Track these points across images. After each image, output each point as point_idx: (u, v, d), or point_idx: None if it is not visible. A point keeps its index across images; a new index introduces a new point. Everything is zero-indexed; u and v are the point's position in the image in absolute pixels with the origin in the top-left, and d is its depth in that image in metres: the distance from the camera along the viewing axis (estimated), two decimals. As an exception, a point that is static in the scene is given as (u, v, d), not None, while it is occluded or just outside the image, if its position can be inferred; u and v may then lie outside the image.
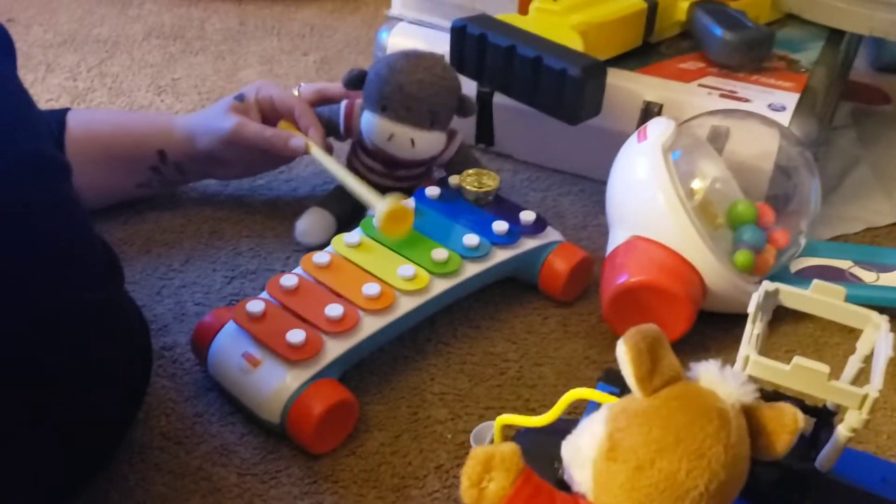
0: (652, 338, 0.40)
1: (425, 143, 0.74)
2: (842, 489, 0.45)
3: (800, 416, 0.39)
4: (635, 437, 0.38)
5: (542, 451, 0.50)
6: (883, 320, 0.42)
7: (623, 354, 0.40)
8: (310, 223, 0.77)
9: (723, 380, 0.40)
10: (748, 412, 0.40)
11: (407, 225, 0.68)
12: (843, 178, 0.91)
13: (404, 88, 0.72)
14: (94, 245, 0.53)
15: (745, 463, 0.39)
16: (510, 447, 0.40)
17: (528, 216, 0.72)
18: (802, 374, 0.39)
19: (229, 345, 0.61)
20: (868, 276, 0.74)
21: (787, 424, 0.39)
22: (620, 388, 0.50)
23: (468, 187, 0.74)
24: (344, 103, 0.79)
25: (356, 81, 0.76)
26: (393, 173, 0.76)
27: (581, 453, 0.40)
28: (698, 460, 0.37)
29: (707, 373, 0.40)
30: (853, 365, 0.44)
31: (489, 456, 0.39)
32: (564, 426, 0.51)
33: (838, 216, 0.85)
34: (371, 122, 0.74)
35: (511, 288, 0.74)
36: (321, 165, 0.75)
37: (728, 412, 0.38)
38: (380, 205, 0.67)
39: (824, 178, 0.73)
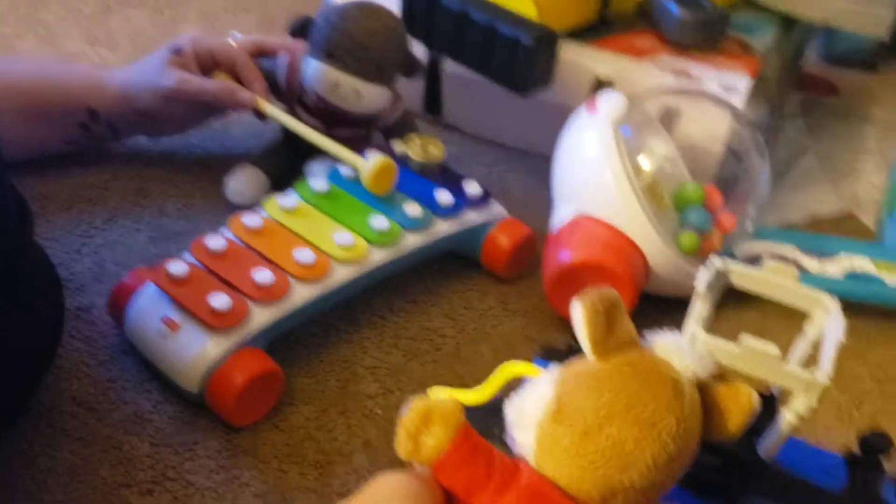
0: (610, 300, 0.37)
1: (371, 95, 0.71)
2: (783, 478, 0.44)
3: (755, 396, 0.37)
4: (584, 400, 0.36)
5: (476, 425, 0.48)
6: (834, 303, 0.40)
7: (579, 314, 0.37)
8: (241, 181, 0.73)
9: (679, 351, 0.38)
10: (702, 388, 0.38)
11: (393, 178, 0.66)
12: (790, 167, 0.90)
13: (354, 37, 0.69)
14: (4, 192, 0.49)
15: (695, 440, 0.37)
16: (451, 401, 0.37)
17: (472, 188, 0.70)
18: (752, 355, 0.37)
19: (148, 307, 0.57)
20: (812, 265, 0.73)
21: (742, 404, 0.37)
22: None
23: (413, 155, 0.71)
24: (286, 56, 0.75)
25: (302, 29, 0.72)
26: (333, 132, 0.73)
27: (525, 415, 0.37)
28: (649, 429, 0.35)
29: (664, 342, 0.38)
30: (801, 349, 0.43)
31: (429, 409, 0.37)
32: (501, 404, 0.49)
33: (784, 203, 0.84)
34: (316, 70, 0.70)
35: (450, 262, 0.71)
36: (275, 121, 0.71)
37: (683, 384, 0.36)
38: (366, 161, 0.66)
39: (772, 164, 0.71)
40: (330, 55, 0.69)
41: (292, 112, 0.74)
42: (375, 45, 0.69)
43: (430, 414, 0.36)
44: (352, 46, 0.69)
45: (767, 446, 0.40)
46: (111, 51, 0.96)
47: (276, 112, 0.72)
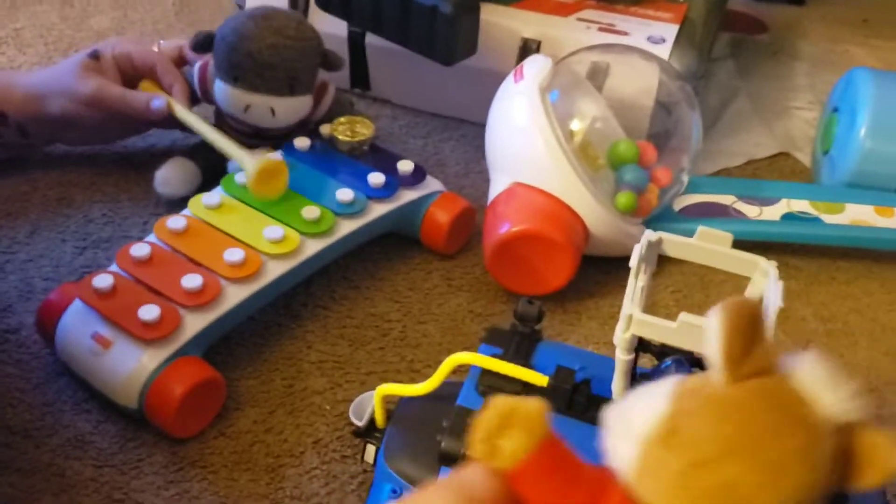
0: (753, 314, 0.32)
1: (287, 110, 0.68)
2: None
3: None
4: (703, 427, 0.31)
5: (426, 418, 0.47)
6: (771, 266, 0.40)
7: (717, 326, 0.32)
8: (171, 172, 0.70)
9: (831, 386, 0.32)
10: (850, 430, 0.32)
11: (282, 183, 0.63)
12: (722, 111, 0.90)
13: (255, 56, 0.65)
14: None
15: (819, 492, 0.32)
16: (537, 403, 0.33)
17: (405, 166, 0.68)
18: (690, 330, 0.36)
19: (77, 325, 0.55)
20: (751, 211, 0.73)
21: (884, 461, 0.31)
22: (504, 349, 0.47)
23: (341, 137, 0.69)
24: (197, 66, 0.72)
25: (203, 45, 0.68)
26: (263, 133, 0.70)
27: (631, 427, 0.32)
28: (772, 476, 0.30)
29: (811, 372, 0.32)
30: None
31: (511, 409, 0.32)
32: (448, 390, 0.48)
33: (719, 150, 0.84)
34: (225, 93, 0.67)
35: (392, 243, 0.70)
36: (185, 124, 0.69)
37: (823, 429, 0.31)
38: (249, 164, 0.62)
39: (704, 111, 0.71)
40: (235, 78, 0.66)
41: (219, 112, 0.71)
42: (279, 60, 0.65)
43: (511, 415, 0.32)
44: (255, 66, 0.65)
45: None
46: (20, 51, 0.92)
47: (183, 113, 0.69)
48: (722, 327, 0.31)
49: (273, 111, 0.67)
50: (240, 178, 0.63)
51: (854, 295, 0.70)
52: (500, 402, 0.32)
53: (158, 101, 0.69)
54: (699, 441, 0.31)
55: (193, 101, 0.72)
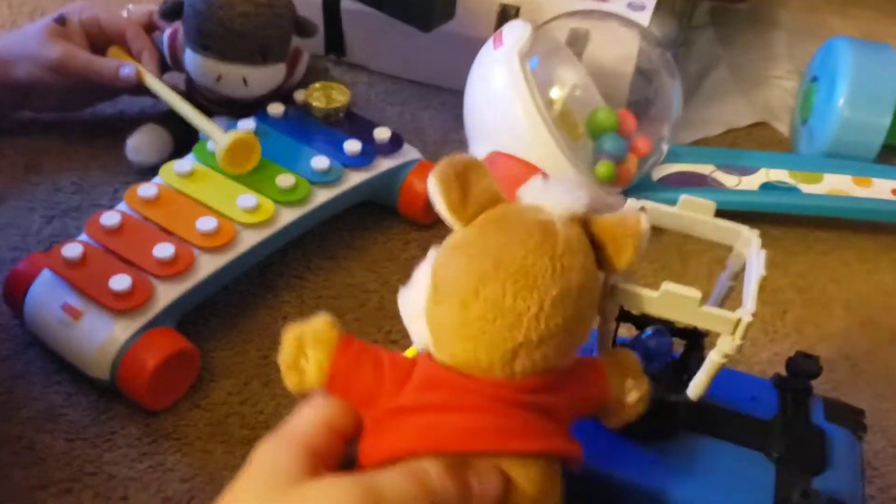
0: (463, 164, 0.36)
1: (260, 79, 0.66)
2: (711, 410, 0.43)
3: (644, 219, 0.36)
4: (455, 270, 0.34)
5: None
6: (754, 235, 0.39)
7: (433, 186, 0.36)
8: (142, 139, 0.69)
9: (546, 191, 0.36)
10: (588, 224, 0.36)
11: (254, 157, 0.61)
12: (702, 80, 0.89)
13: (226, 25, 0.63)
14: None
15: (585, 275, 0.35)
16: (320, 317, 0.36)
17: (382, 133, 0.67)
18: (672, 300, 0.36)
19: (46, 295, 0.54)
20: (730, 180, 0.73)
21: (629, 228, 0.36)
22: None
23: (315, 104, 0.68)
24: (167, 33, 0.70)
25: (172, 13, 0.66)
26: (236, 103, 0.68)
27: (415, 307, 0.36)
28: (523, 279, 0.33)
29: (531, 189, 0.37)
30: (723, 284, 0.42)
31: (300, 332, 0.36)
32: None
33: (699, 119, 0.83)
34: (195, 63, 0.65)
35: (369, 212, 0.69)
36: (155, 93, 0.67)
37: (553, 223, 0.35)
38: (220, 139, 0.60)
39: (684, 80, 0.70)
40: (205, 47, 0.64)
41: (190, 80, 0.69)
42: (251, 28, 0.64)
43: (303, 338, 0.35)
44: (226, 35, 0.63)
45: (695, 386, 0.39)
46: (-17, 13, 0.90)
47: (154, 82, 0.67)
48: (437, 183, 0.35)
49: (245, 81, 0.65)
50: (212, 146, 0.62)
51: (831, 265, 0.70)
52: (289, 332, 0.36)
53: (128, 69, 0.67)
54: (454, 283, 0.34)
55: (163, 68, 0.70)
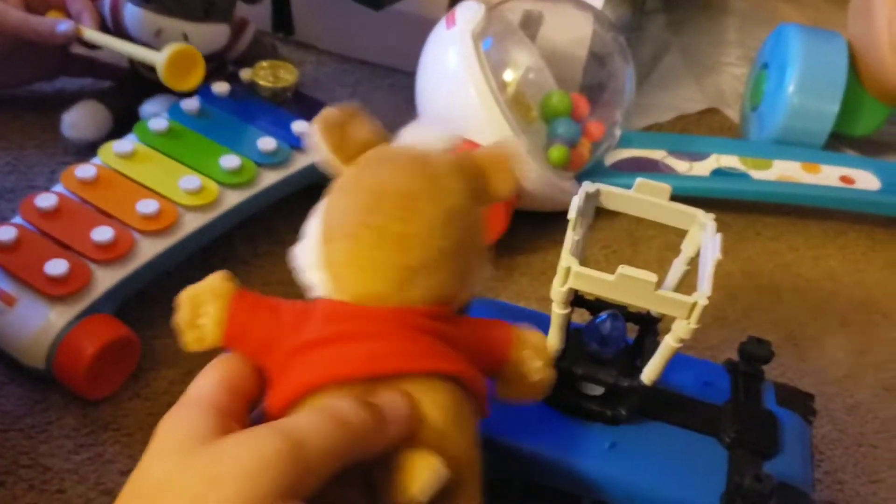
0: (343, 112, 0.38)
1: (202, 36, 0.64)
2: (665, 396, 0.43)
3: (518, 145, 0.38)
4: (342, 207, 0.36)
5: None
6: (709, 219, 0.39)
7: (315, 130, 0.37)
8: (79, 115, 0.66)
9: (420, 130, 0.39)
10: (466, 160, 0.38)
11: (199, 72, 0.61)
12: (654, 65, 0.89)
13: None
14: None
15: (465, 197, 0.36)
16: (216, 274, 0.37)
17: (331, 114, 0.65)
18: (628, 284, 0.35)
19: (-23, 281, 0.51)
20: (681, 166, 0.73)
21: (505, 154, 0.38)
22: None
23: (262, 82, 0.66)
24: None
25: None
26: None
27: (308, 255, 0.36)
28: (406, 202, 0.35)
29: (406, 131, 0.39)
30: (678, 268, 0.41)
31: (194, 292, 0.36)
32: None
33: (651, 104, 0.83)
34: (135, 16, 0.63)
35: (317, 196, 0.67)
36: (95, 43, 0.65)
37: (427, 155, 0.37)
38: (161, 54, 0.59)
39: (636, 65, 0.70)
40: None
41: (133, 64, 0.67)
42: None
43: (197, 296, 0.36)
44: None
45: (650, 371, 0.39)
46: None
47: (94, 34, 0.65)
48: (318, 129, 0.37)
49: (186, 37, 0.63)
50: (153, 123, 0.60)
51: (779, 250, 0.71)
52: (185, 292, 0.36)
53: (65, 25, 0.64)
54: (342, 219, 0.35)
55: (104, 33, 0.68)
